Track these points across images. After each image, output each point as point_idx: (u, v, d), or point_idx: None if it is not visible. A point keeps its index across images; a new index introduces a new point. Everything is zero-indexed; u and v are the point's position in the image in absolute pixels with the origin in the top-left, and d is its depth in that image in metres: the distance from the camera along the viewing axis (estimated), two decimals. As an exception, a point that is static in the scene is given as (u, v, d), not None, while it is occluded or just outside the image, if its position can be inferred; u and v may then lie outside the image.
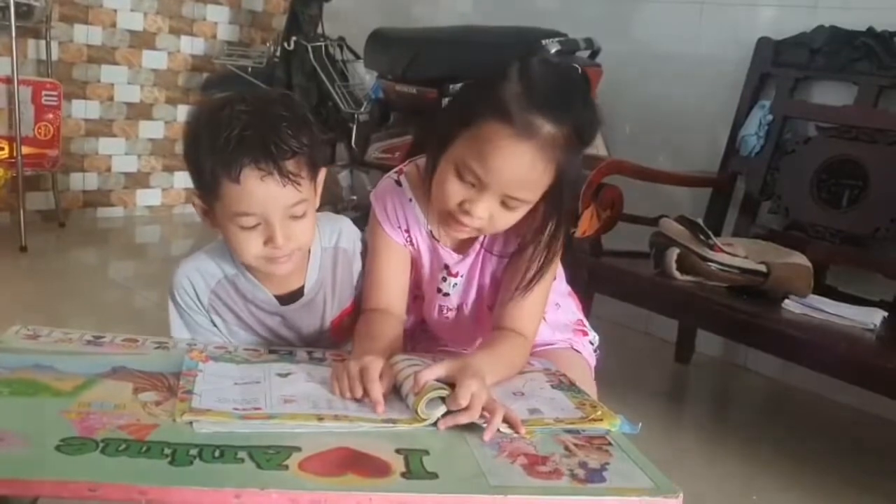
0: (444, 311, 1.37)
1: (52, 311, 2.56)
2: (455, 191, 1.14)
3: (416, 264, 1.34)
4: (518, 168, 1.09)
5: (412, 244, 1.31)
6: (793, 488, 1.90)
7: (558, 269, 1.42)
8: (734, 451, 2.07)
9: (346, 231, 1.33)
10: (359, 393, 1.03)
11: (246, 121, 1.10)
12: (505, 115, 1.08)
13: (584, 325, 1.47)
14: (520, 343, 1.20)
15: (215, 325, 1.29)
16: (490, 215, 1.14)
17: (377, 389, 1.02)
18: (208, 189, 1.14)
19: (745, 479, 1.93)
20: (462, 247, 1.31)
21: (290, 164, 1.11)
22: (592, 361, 1.44)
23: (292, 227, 1.16)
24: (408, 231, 1.30)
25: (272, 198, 1.12)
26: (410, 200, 1.28)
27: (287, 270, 1.22)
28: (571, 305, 1.47)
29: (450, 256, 1.31)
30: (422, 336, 1.45)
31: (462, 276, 1.32)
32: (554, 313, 1.40)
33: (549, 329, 1.38)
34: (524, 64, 1.12)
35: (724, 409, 2.58)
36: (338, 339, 1.34)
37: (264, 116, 1.12)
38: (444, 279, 1.33)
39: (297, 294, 1.29)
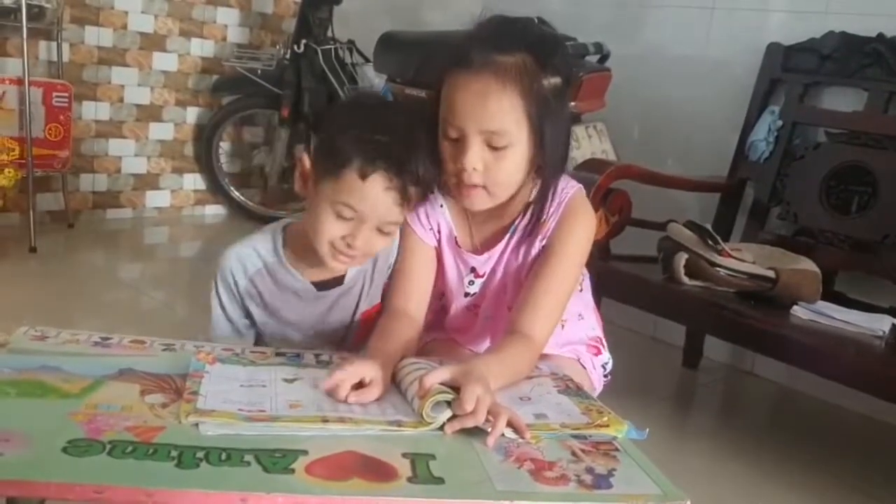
0: (469, 313, 1.38)
1: (60, 311, 2.56)
2: (448, 153, 1.20)
3: (441, 271, 1.35)
4: (480, 98, 1.14)
5: (440, 246, 1.34)
6: (800, 495, 1.89)
7: (585, 281, 1.41)
8: (741, 457, 2.06)
9: None
10: (324, 384, 1.05)
11: (399, 133, 1.16)
12: (459, 61, 1.16)
13: (601, 344, 1.46)
14: (528, 348, 1.20)
15: (250, 314, 1.32)
16: (483, 164, 1.17)
17: (336, 377, 1.04)
18: (331, 165, 1.17)
19: (751, 486, 1.92)
20: (487, 244, 1.32)
21: (412, 189, 1.17)
22: (598, 384, 1.42)
23: (375, 238, 1.21)
24: (439, 232, 1.33)
25: (382, 207, 1.17)
26: (441, 206, 1.32)
27: (341, 270, 1.28)
28: (593, 320, 1.46)
29: (475, 259, 1.33)
30: (435, 324, 1.45)
31: (486, 275, 1.34)
32: (574, 324, 1.40)
33: (558, 345, 1.36)
34: (476, 22, 1.21)
35: (732, 414, 2.57)
36: (364, 334, 1.33)
37: (413, 138, 1.18)
38: (472, 282, 1.35)
39: (336, 281, 1.32)
